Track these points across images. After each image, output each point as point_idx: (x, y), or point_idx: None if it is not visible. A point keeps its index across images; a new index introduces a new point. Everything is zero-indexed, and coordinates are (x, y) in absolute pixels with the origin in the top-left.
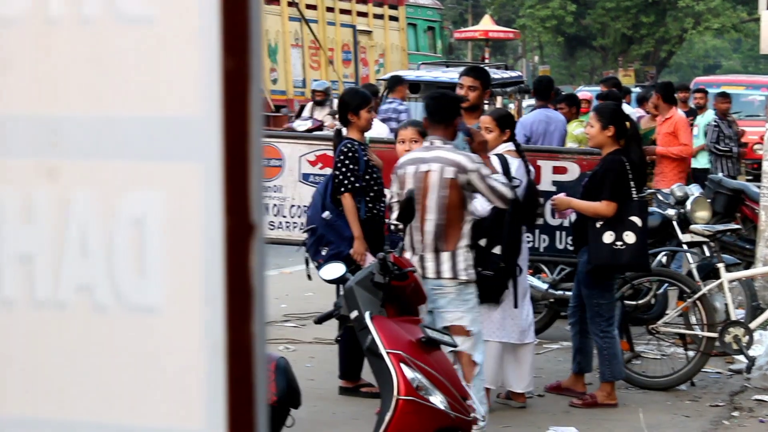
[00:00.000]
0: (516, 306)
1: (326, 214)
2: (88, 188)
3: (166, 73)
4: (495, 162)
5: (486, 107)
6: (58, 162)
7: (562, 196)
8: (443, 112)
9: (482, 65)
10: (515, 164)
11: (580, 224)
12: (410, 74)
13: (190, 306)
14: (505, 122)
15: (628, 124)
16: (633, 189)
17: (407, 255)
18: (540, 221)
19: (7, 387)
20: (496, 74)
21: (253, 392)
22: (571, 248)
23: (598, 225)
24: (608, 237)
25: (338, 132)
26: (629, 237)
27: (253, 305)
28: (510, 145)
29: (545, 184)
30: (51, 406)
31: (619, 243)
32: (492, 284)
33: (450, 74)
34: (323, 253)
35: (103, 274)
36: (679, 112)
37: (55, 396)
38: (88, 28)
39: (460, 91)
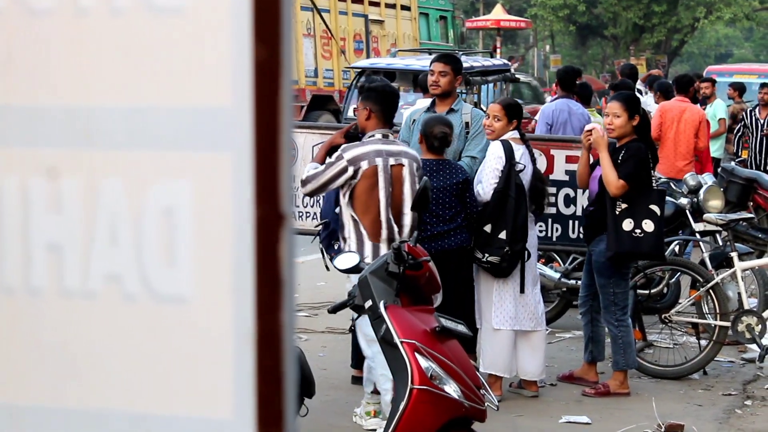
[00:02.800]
0: (522, 291)
1: (338, 209)
2: (119, 178)
3: (197, 63)
4: (498, 147)
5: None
6: (88, 152)
7: (599, 128)
8: (395, 107)
9: (453, 52)
10: (520, 151)
11: (594, 213)
12: (382, 62)
13: (219, 295)
14: (514, 112)
15: None
16: (653, 178)
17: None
18: (552, 210)
19: (36, 376)
20: (477, 62)
21: (283, 382)
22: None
23: (617, 211)
24: (627, 225)
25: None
26: (648, 225)
27: (283, 295)
28: (515, 133)
29: (558, 174)
30: (79, 395)
31: (638, 231)
32: (499, 269)
33: (423, 62)
34: (336, 247)
35: (133, 263)
36: (662, 104)
37: (83, 385)
38: (118, 19)
39: (431, 78)
